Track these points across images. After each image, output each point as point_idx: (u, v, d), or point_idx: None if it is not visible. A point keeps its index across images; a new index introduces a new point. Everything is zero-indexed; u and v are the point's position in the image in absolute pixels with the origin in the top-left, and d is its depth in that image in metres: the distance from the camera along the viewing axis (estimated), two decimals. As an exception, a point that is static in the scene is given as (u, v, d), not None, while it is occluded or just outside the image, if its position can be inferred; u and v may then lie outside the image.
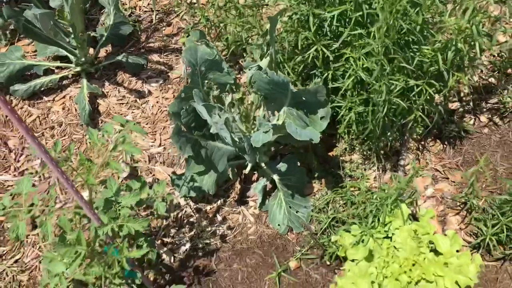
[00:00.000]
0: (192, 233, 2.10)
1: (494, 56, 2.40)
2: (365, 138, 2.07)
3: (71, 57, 2.49)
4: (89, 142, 2.36)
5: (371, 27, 1.65)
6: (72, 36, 2.35)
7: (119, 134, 1.62)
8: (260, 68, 1.78)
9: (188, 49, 1.65)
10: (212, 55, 1.71)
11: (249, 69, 1.78)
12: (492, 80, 2.34)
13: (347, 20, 1.74)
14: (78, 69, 2.50)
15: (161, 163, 2.30)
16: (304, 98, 1.73)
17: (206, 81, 1.77)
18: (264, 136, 1.62)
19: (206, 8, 2.40)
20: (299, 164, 2.08)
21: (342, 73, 1.86)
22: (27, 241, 2.11)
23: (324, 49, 1.76)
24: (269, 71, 1.64)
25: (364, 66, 1.66)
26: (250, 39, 2.27)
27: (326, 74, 1.87)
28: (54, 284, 1.60)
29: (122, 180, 2.24)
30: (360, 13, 1.61)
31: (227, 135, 1.68)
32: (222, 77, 1.78)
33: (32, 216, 1.56)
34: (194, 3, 2.68)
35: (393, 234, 1.83)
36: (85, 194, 2.21)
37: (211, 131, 1.90)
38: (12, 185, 2.26)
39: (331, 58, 1.83)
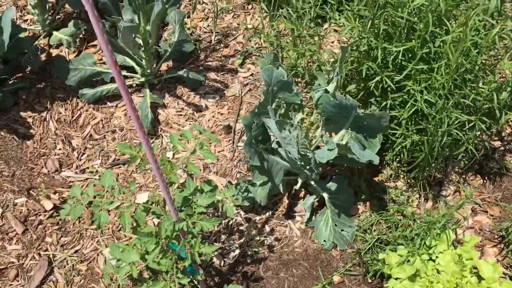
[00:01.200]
0: (242, 240, 2.22)
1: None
2: (412, 167, 2.20)
3: (137, 68, 2.68)
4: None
5: (434, 63, 1.81)
6: (143, 49, 2.54)
7: (198, 141, 1.77)
8: (326, 91, 1.94)
9: (266, 69, 1.82)
10: (285, 77, 1.88)
11: (316, 92, 1.94)
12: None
13: (411, 55, 1.91)
14: (143, 79, 2.69)
15: (214, 172, 2.44)
16: (365, 122, 1.88)
17: (276, 100, 1.93)
18: (329, 154, 1.76)
19: (268, 33, 2.59)
20: (347, 185, 2.22)
21: (400, 103, 2.01)
22: (86, 234, 2.25)
23: (387, 80, 1.92)
24: (338, 95, 1.80)
25: (425, 98, 1.81)
26: (308, 65, 2.45)
27: (384, 102, 2.02)
28: (125, 272, 1.73)
29: (178, 185, 2.38)
30: (427, 50, 1.77)
31: (294, 150, 1.83)
32: (290, 97, 1.94)
33: (113, 208, 1.71)
34: (257, 28, 2.86)
35: (436, 257, 1.94)
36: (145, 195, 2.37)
37: (272, 146, 2.06)
38: (73, 181, 2.41)
39: (390, 89, 1.99)
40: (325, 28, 2.89)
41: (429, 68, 1.85)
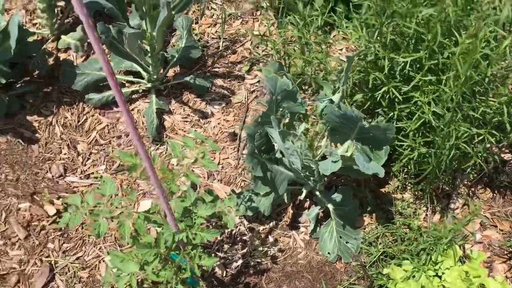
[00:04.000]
0: (245, 250, 2.19)
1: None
2: (420, 179, 2.15)
3: (144, 73, 2.67)
4: (151, 153, 2.50)
5: (442, 75, 1.76)
6: (149, 54, 2.53)
7: (199, 149, 1.75)
8: (331, 101, 1.90)
9: (270, 78, 1.79)
10: (289, 86, 1.85)
11: (321, 102, 1.91)
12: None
13: (419, 66, 1.86)
14: (149, 85, 2.68)
15: (218, 180, 2.42)
16: (371, 134, 1.84)
17: (280, 109, 1.90)
18: (333, 166, 1.73)
19: (276, 40, 2.56)
20: (353, 196, 2.18)
21: (407, 114, 1.97)
22: (88, 240, 2.24)
23: (394, 91, 1.88)
24: (343, 106, 1.76)
25: (433, 110, 1.77)
26: (315, 73, 2.42)
27: (391, 113, 1.98)
28: (124, 282, 1.71)
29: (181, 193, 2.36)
30: (435, 61, 1.73)
31: (297, 161, 1.79)
32: (295, 107, 1.91)
33: (112, 217, 1.69)
34: (264, 35, 2.84)
35: (443, 273, 1.90)
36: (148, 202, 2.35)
37: (276, 155, 2.03)
38: (77, 186, 2.41)
39: (397, 99, 1.95)
40: (334, 36, 2.86)
41: (437, 80, 1.80)
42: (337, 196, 2.15)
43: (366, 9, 2.01)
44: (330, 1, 2.47)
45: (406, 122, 1.97)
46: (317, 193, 2.19)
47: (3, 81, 2.51)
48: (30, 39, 2.65)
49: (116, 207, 1.71)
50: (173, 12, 2.38)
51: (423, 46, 1.79)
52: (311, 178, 1.94)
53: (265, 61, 2.83)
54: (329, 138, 2.03)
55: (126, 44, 2.30)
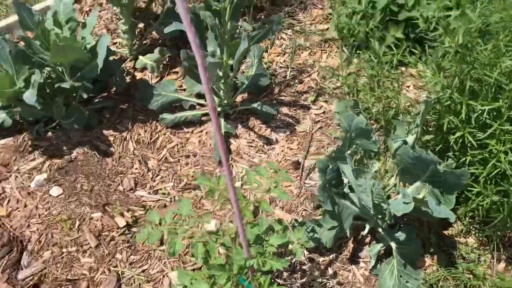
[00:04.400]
0: (304, 280, 2.23)
1: None
2: (487, 226, 2.13)
3: (215, 97, 2.78)
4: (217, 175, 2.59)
5: (521, 125, 1.77)
6: (222, 80, 2.65)
7: (272, 179, 1.82)
8: (405, 142, 1.93)
9: (347, 116, 1.85)
10: (365, 124, 1.90)
11: (395, 142, 1.94)
12: None
13: (497, 114, 1.87)
14: (219, 109, 2.79)
15: (280, 207, 2.48)
16: (443, 178, 1.86)
17: (353, 146, 1.95)
18: (405, 207, 1.75)
19: (346, 75, 2.62)
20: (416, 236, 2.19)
21: (480, 160, 1.97)
22: (154, 254, 2.34)
23: (469, 137, 1.89)
24: (418, 149, 1.79)
25: (509, 159, 1.77)
26: (384, 110, 2.45)
27: (463, 158, 1.99)
28: (194, 301, 1.79)
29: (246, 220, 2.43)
30: (515, 112, 1.74)
31: (368, 198, 1.83)
32: (368, 145, 1.95)
33: (189, 237, 1.78)
34: (332, 68, 2.90)
35: (507, 325, 1.87)
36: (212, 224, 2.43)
37: (344, 190, 2.07)
38: (146, 201, 2.52)
39: (470, 144, 1.95)
40: (401, 72, 2.89)
41: (516, 130, 1.81)
42: (400, 235, 2.16)
43: (442, 53, 2.04)
44: (404, 41, 2.52)
45: (477, 167, 1.97)
46: (380, 230, 2.20)
47: (85, 96, 2.69)
48: (111, 58, 2.83)
49: (191, 227, 1.79)
50: (252, 38, 2.49)
51: (503, 95, 1.80)
52: (379, 216, 1.97)
53: (331, 93, 2.89)
54: (398, 177, 2.05)
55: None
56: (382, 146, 2.43)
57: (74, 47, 2.31)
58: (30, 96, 2.29)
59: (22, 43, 2.48)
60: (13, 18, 3.27)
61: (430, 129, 2.29)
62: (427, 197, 1.77)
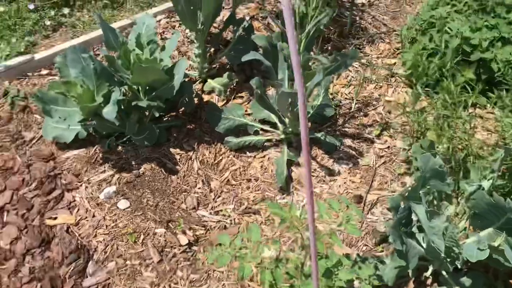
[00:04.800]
0: (362, 317, 2.20)
1: None
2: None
3: (280, 125, 2.83)
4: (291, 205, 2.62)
5: None
6: (290, 109, 2.69)
7: (344, 213, 1.83)
8: (480, 187, 1.90)
9: (424, 156, 1.85)
10: (440, 166, 1.88)
11: (470, 186, 1.92)
12: None
13: None
14: (283, 136, 2.83)
15: (341, 240, 2.47)
16: (519, 226, 1.81)
17: (427, 186, 1.93)
18: (480, 254, 1.72)
19: (415, 112, 2.62)
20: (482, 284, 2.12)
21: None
22: (213, 275, 2.37)
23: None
24: (496, 196, 1.76)
25: None
26: (453, 150, 2.42)
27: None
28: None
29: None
30: None
31: (441, 242, 1.80)
32: (442, 186, 1.94)
33: (257, 264, 1.81)
34: (400, 104, 2.90)
35: None
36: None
37: (413, 229, 2.05)
38: (207, 221, 2.57)
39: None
40: (470, 113, 2.85)
41: None
42: (466, 281, 2.11)
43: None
44: (476, 82, 2.50)
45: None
46: (444, 273, 2.16)
47: (157, 115, 2.80)
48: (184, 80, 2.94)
49: (260, 253, 1.82)
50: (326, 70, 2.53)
51: None
52: (447, 259, 1.93)
53: (397, 129, 2.88)
54: (469, 221, 2.01)
55: (275, 100, 2.48)
56: (464, 194, 2.39)
57: (155, 69, 2.42)
58: (110, 112, 2.41)
59: (103, 60, 2.63)
60: (90, 35, 3.48)
61: (501, 174, 2.24)
62: (504, 245, 1.73)
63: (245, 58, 2.43)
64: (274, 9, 3.82)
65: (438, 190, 1.96)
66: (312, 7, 2.27)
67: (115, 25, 3.48)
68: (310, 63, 2.73)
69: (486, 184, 1.89)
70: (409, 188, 1.90)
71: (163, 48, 2.70)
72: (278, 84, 2.40)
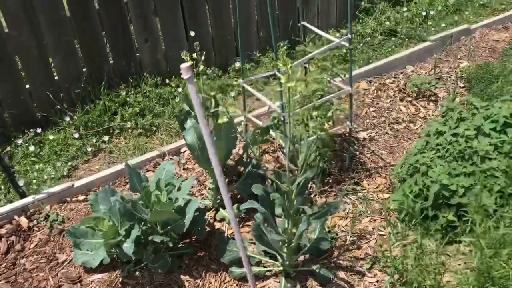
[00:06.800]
0: None
1: None
2: None
3: (279, 257, 3.16)
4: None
5: None
6: (286, 245, 3.04)
7: None
8: None
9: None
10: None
11: None
12: None
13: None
14: (281, 268, 3.15)
15: None
16: None
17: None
18: None
19: (395, 256, 2.89)
20: None
21: None
22: None
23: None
24: None
25: None
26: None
27: None
28: None
29: None
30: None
31: None
32: None
33: None
34: (385, 249, 3.18)
35: None
36: None
37: None
38: None
39: None
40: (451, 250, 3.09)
41: None
42: None
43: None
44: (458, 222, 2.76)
45: None
46: None
47: (171, 245, 3.20)
48: (196, 213, 3.37)
49: None
50: (311, 218, 2.90)
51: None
52: None
53: (385, 262, 3.15)
54: None
55: (271, 239, 2.84)
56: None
57: (169, 211, 2.87)
58: (128, 248, 2.84)
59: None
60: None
61: None
62: None
63: (243, 207, 2.85)
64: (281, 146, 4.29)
65: None
66: (301, 164, 2.69)
67: (144, 156, 4.05)
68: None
69: None
70: None
71: (179, 189, 3.16)
72: (271, 231, 2.77)
